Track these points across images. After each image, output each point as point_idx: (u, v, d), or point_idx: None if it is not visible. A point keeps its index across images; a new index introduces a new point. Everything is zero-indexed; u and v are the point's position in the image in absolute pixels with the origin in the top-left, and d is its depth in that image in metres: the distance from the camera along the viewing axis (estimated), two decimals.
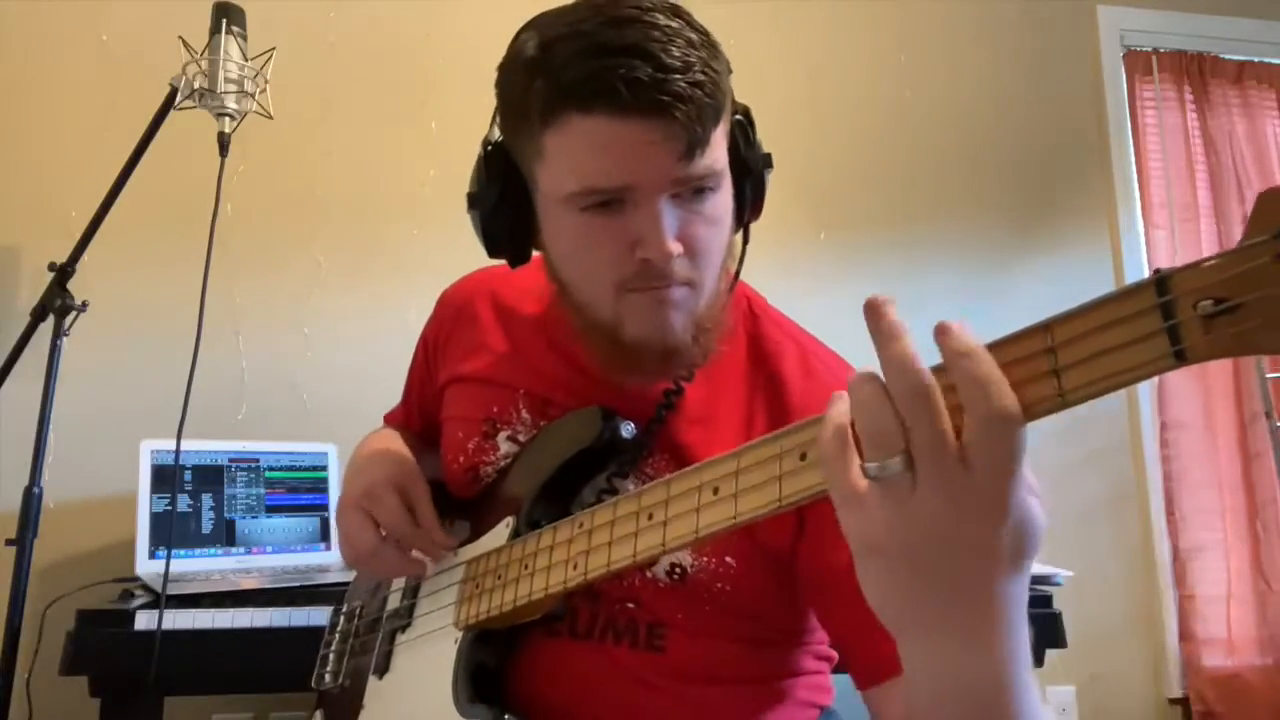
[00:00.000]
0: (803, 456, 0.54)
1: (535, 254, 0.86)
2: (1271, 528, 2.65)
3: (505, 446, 0.91)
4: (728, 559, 0.80)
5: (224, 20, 1.63)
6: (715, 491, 0.60)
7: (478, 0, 2.35)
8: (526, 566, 0.77)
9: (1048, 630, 1.70)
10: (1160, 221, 2.78)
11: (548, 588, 0.74)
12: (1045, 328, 0.45)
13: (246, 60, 1.65)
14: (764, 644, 0.85)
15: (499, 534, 0.85)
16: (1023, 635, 0.50)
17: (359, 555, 0.91)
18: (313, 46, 2.28)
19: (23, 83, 2.13)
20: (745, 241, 0.84)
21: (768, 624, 0.85)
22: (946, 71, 2.70)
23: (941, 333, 0.47)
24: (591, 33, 0.70)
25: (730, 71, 0.75)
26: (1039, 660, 1.76)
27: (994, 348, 0.46)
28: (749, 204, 0.82)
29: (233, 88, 1.62)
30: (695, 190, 0.74)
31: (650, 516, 0.65)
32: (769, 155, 0.82)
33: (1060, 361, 0.44)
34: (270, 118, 1.71)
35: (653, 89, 0.68)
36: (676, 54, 0.69)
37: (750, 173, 0.80)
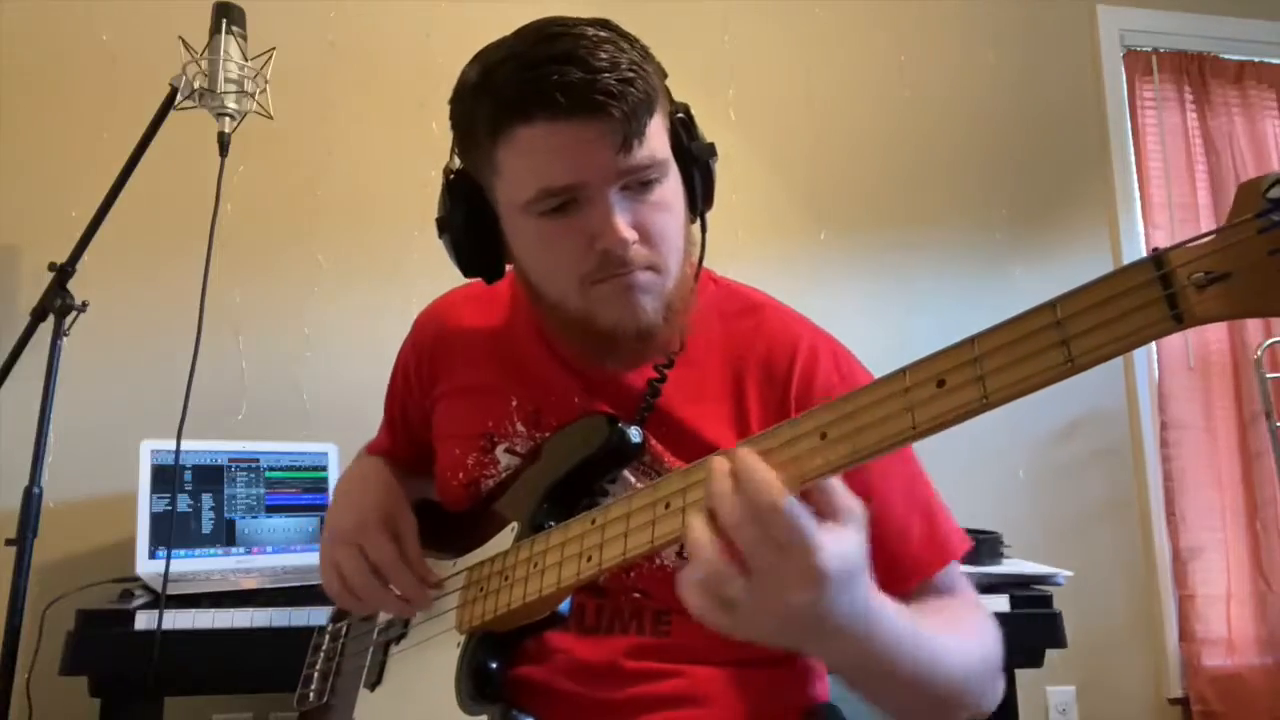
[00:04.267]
0: (823, 436, 0.58)
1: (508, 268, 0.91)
2: (1271, 528, 2.65)
3: (505, 460, 0.92)
4: None
5: (224, 20, 1.63)
6: None
7: (478, 1, 2.35)
8: (535, 565, 0.77)
9: (1048, 630, 1.70)
10: (1160, 221, 2.77)
11: (559, 582, 0.74)
12: (1051, 306, 0.51)
13: (246, 60, 1.65)
14: None
15: (501, 541, 0.85)
16: (889, 613, 0.65)
17: (349, 590, 0.89)
18: (313, 46, 2.28)
19: (23, 82, 2.13)
20: (704, 230, 0.89)
21: None
22: (946, 71, 2.70)
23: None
24: (524, 51, 0.76)
25: (665, 75, 0.82)
26: (1039, 660, 1.76)
27: (1005, 325, 0.52)
28: (700, 194, 0.86)
29: (233, 88, 1.62)
30: (641, 182, 0.79)
31: (667, 505, 0.66)
32: (713, 145, 0.87)
33: (1068, 332, 0.50)
34: (270, 118, 1.71)
35: (585, 90, 0.74)
36: (604, 56, 0.75)
37: (697, 162, 0.85)
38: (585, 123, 0.75)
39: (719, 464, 0.59)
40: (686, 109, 0.86)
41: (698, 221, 0.89)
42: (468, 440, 0.94)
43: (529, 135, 0.76)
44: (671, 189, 0.82)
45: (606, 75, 0.74)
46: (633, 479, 0.84)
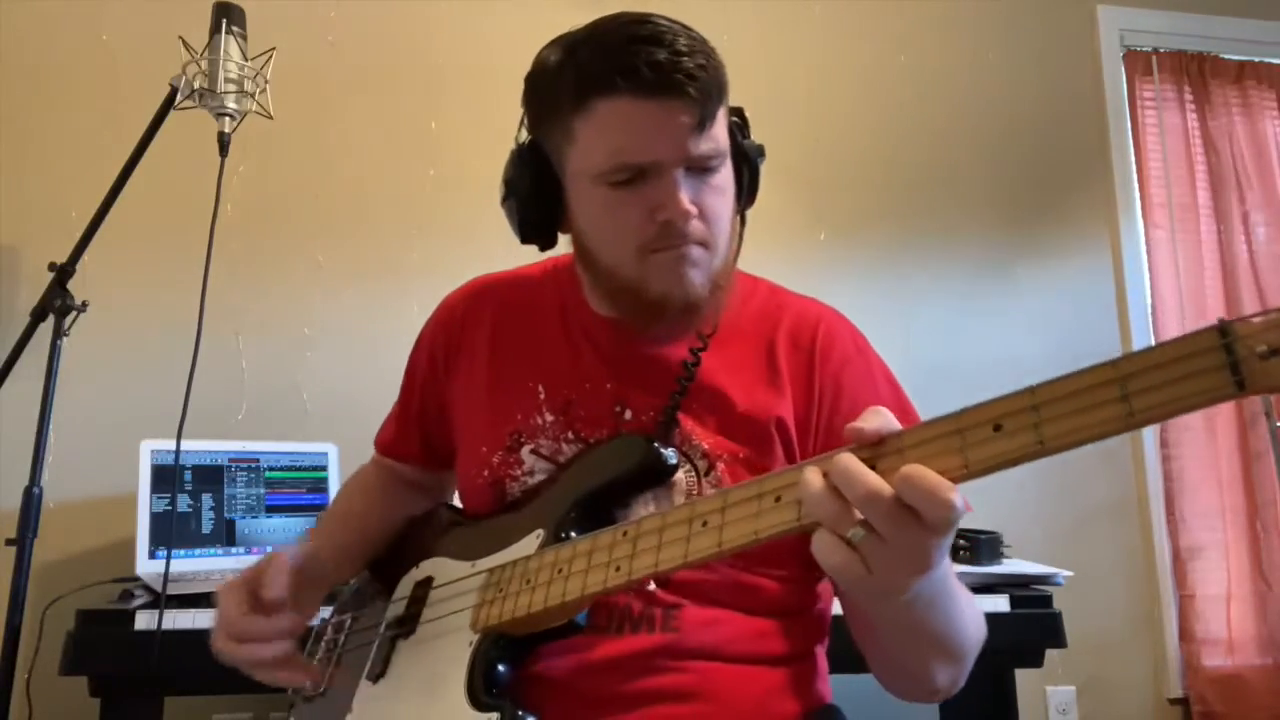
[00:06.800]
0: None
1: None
2: (1271, 528, 2.65)
3: (529, 461, 0.93)
4: None
5: (224, 20, 1.63)
6: (778, 499, 0.64)
7: (478, 0, 2.35)
8: (560, 571, 0.78)
9: (1048, 630, 1.71)
10: (1160, 221, 2.78)
11: (584, 589, 0.75)
12: (1112, 364, 0.53)
13: (246, 60, 1.65)
14: (771, 613, 0.88)
15: (525, 546, 0.85)
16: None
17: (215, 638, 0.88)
18: (313, 46, 2.28)
19: (23, 82, 2.14)
20: (743, 225, 0.94)
21: (780, 580, 0.88)
22: (946, 72, 2.70)
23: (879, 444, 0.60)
24: (610, 31, 0.83)
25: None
26: (1039, 660, 1.77)
27: (1065, 377, 0.54)
28: (746, 189, 0.93)
29: (233, 88, 1.62)
30: (705, 167, 0.85)
31: (705, 523, 0.67)
32: (761, 146, 0.94)
33: (1129, 389, 0.52)
34: (270, 118, 1.71)
35: (669, 69, 0.79)
36: (684, 43, 0.81)
37: (748, 160, 0.92)
38: (665, 101, 0.80)
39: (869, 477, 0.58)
40: (741, 111, 0.93)
41: (738, 217, 0.93)
42: (493, 438, 0.95)
43: (610, 107, 0.81)
44: (727, 177, 0.89)
45: (687, 59, 0.80)
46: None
